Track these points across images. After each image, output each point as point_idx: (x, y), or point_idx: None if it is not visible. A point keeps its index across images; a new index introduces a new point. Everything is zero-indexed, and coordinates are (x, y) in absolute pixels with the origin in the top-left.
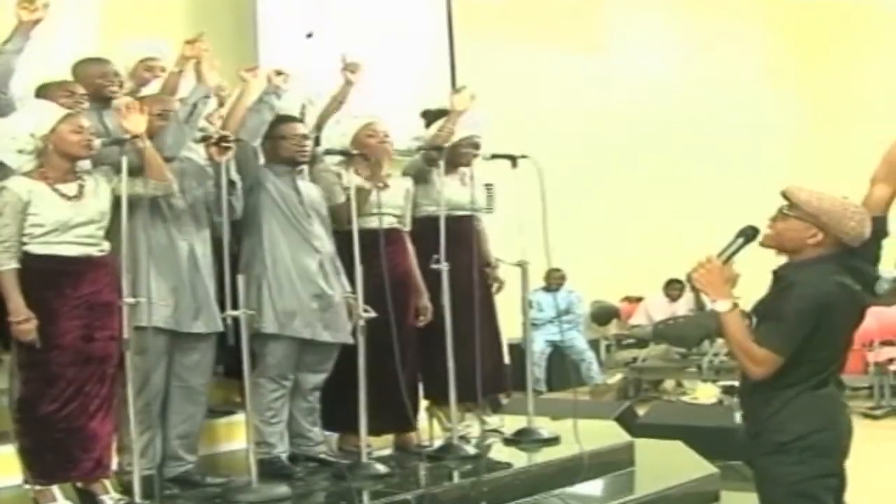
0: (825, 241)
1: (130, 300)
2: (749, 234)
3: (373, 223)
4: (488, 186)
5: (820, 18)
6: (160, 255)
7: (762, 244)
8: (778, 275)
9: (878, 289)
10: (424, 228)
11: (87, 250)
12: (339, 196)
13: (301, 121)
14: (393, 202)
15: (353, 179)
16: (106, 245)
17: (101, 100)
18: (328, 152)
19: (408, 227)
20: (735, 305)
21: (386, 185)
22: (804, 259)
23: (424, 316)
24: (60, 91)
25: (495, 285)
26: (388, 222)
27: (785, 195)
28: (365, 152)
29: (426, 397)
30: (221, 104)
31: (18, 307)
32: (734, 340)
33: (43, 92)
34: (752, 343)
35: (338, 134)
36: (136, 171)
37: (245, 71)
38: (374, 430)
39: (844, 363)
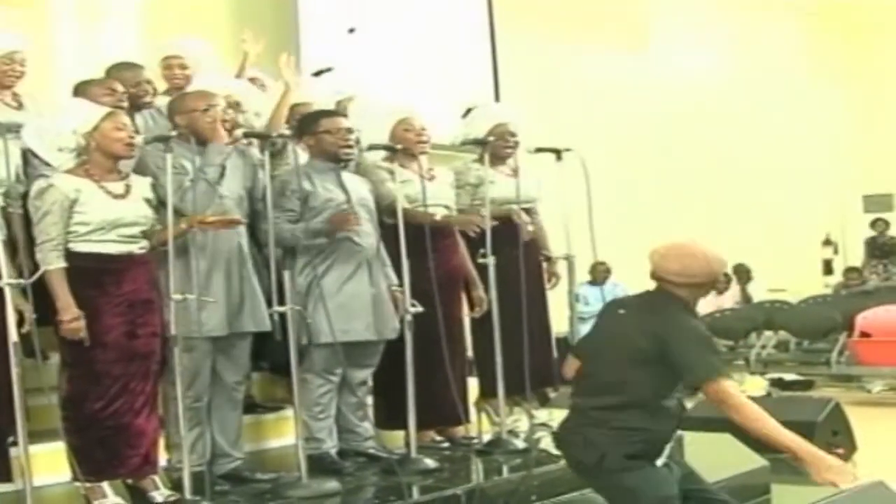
0: None
1: (178, 297)
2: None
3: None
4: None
5: (865, 13)
6: (211, 248)
7: None
8: None
9: None
10: None
11: (129, 248)
12: (389, 195)
13: (344, 115)
14: (442, 194)
15: (402, 174)
16: (145, 242)
17: (134, 105)
18: (372, 147)
19: None
20: None
21: (432, 177)
22: None
23: (480, 307)
24: (101, 89)
25: (552, 280)
26: (440, 215)
27: None
28: (402, 146)
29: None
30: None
31: (68, 305)
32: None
33: (83, 89)
34: None
35: (376, 129)
36: None
37: (283, 61)
38: (423, 424)
39: None
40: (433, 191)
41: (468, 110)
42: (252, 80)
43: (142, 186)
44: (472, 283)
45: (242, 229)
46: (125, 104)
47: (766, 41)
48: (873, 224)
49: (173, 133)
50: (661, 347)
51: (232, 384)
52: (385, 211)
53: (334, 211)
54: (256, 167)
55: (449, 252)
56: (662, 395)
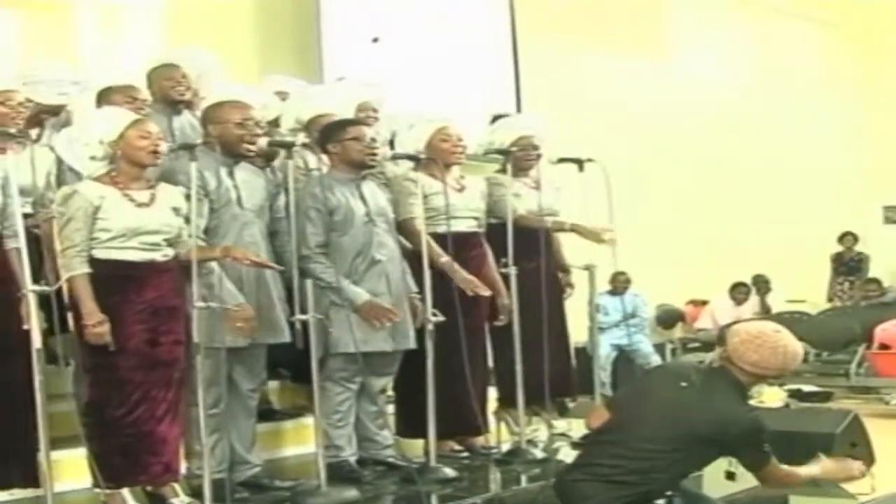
0: None
1: (201, 304)
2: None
3: (444, 228)
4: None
5: (879, 21)
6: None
7: None
8: None
9: None
10: (493, 233)
11: (152, 255)
12: (407, 213)
13: (368, 124)
14: (472, 205)
15: (426, 185)
16: (169, 251)
17: (170, 104)
18: (395, 157)
19: (484, 229)
20: None
21: (463, 188)
22: None
23: (504, 315)
24: (122, 96)
25: (568, 290)
26: (468, 225)
27: None
28: (437, 156)
29: (498, 400)
30: None
31: (92, 310)
32: None
33: (105, 96)
34: None
35: (412, 138)
36: None
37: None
38: (443, 434)
39: None
40: (463, 201)
41: (494, 118)
42: (278, 93)
43: (170, 195)
44: (497, 292)
45: (262, 240)
46: (146, 111)
47: (786, 51)
48: (841, 238)
49: (198, 142)
50: (720, 438)
51: (247, 392)
52: (400, 228)
53: (358, 226)
54: (275, 183)
55: (477, 263)
56: (692, 471)
